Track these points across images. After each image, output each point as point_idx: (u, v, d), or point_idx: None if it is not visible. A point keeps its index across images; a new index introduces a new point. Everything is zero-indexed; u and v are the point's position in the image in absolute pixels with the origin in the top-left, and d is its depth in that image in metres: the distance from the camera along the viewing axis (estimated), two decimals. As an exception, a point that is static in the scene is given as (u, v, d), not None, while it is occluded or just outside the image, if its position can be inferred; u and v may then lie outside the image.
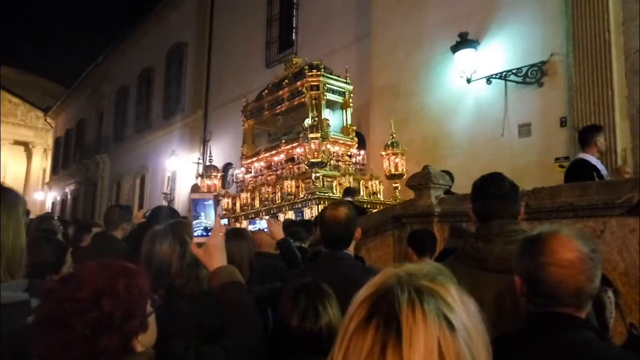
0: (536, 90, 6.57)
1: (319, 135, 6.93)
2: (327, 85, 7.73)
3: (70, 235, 4.45)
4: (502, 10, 6.99)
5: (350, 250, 2.14)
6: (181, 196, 14.31)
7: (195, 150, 15.07)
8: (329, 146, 7.13)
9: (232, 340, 1.29)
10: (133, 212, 4.82)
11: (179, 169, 14.89)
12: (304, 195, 6.91)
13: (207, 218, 1.40)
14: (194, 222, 1.40)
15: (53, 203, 27.17)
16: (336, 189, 7.01)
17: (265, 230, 3.32)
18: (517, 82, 6.71)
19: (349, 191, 6.37)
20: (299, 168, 7.47)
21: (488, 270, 1.64)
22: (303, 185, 7.08)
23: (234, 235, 2.36)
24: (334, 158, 7.37)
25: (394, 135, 7.25)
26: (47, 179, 29.00)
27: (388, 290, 0.66)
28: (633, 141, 5.71)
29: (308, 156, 6.92)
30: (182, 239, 1.56)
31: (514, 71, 6.72)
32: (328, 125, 7.40)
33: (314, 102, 7.52)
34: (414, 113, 7.78)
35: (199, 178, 9.27)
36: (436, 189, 4.17)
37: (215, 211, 1.43)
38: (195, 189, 12.64)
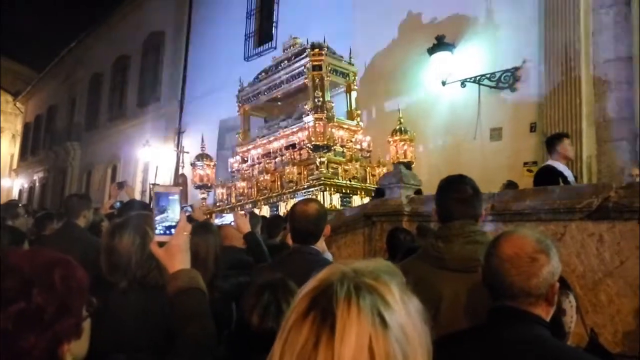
0: (508, 95, 6.72)
1: (323, 116, 6.50)
2: (330, 66, 7.30)
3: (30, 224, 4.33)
4: (478, 16, 7.11)
5: (319, 246, 2.17)
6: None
7: (170, 141, 14.86)
8: (333, 130, 6.72)
9: (181, 354, 1.16)
10: (92, 201, 4.67)
11: (152, 159, 14.66)
12: (308, 182, 6.53)
13: (172, 214, 1.27)
14: (157, 218, 1.26)
15: (20, 190, 26.39)
16: (341, 176, 6.67)
17: (232, 224, 3.30)
18: (491, 87, 6.85)
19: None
20: (300, 154, 7.07)
21: (447, 269, 1.69)
22: (306, 172, 6.70)
23: (201, 229, 2.35)
24: (338, 143, 6.95)
25: (402, 121, 7.00)
26: (14, 166, 28.14)
27: (329, 285, 0.67)
28: (599, 148, 5.90)
29: (312, 139, 6.48)
30: (142, 230, 1.55)
31: (488, 76, 6.86)
32: (332, 107, 7.03)
33: (317, 83, 7.09)
34: (389, 112, 7.85)
35: (191, 167, 8.75)
36: (407, 188, 4.23)
37: (181, 207, 1.31)
38: (182, 180, 12.40)
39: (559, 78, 6.12)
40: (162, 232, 1.26)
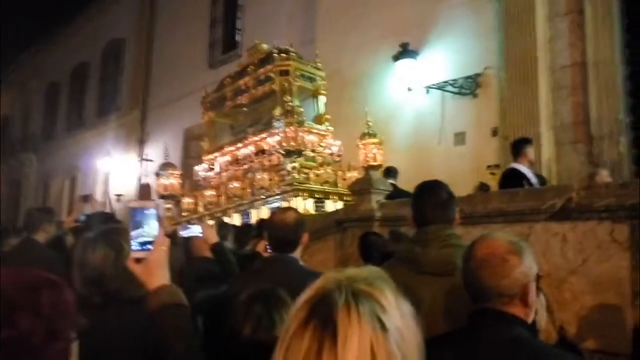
0: (471, 101, 6.90)
1: (294, 120, 6.48)
2: (298, 71, 7.26)
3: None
4: (440, 24, 7.29)
5: (297, 254, 2.16)
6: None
7: (132, 151, 14.50)
8: (301, 134, 6.68)
9: None
10: (55, 215, 4.51)
11: (113, 170, 14.27)
12: (280, 188, 6.45)
13: (148, 229, 1.24)
14: (133, 233, 1.23)
15: (-29, 205, 25.13)
16: (313, 181, 6.62)
17: (200, 234, 3.23)
18: (454, 93, 7.01)
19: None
20: (270, 160, 6.98)
21: (425, 273, 1.72)
22: (277, 178, 6.62)
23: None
24: (309, 148, 6.89)
25: (370, 124, 7.00)
26: (-36, 179, 26.79)
27: (327, 294, 0.69)
28: (557, 151, 6.14)
29: (283, 144, 6.45)
30: (116, 243, 1.51)
31: (451, 82, 7.02)
32: (301, 112, 7.00)
33: (286, 87, 7.05)
34: (355, 119, 7.90)
35: (155, 177, 8.52)
36: (377, 194, 4.28)
37: (159, 222, 1.29)
38: (146, 189, 12.06)
39: (518, 84, 6.34)
40: (138, 247, 1.22)
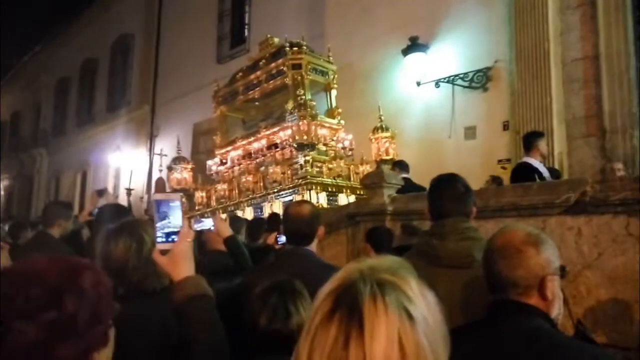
0: (481, 94, 6.86)
1: (307, 114, 6.48)
2: (310, 65, 7.23)
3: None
4: (450, 17, 7.24)
5: (313, 247, 2.17)
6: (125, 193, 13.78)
7: (142, 146, 14.59)
8: (314, 128, 6.68)
9: None
10: (72, 210, 4.57)
11: (123, 164, 14.36)
12: (294, 181, 6.43)
13: (174, 220, 1.25)
14: (158, 225, 1.24)
15: (-16, 200, 25.46)
16: (325, 175, 6.62)
17: (212, 228, 3.24)
18: (464, 87, 6.97)
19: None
20: (282, 154, 7.00)
21: (442, 265, 1.72)
22: (289, 172, 6.63)
23: None
24: (321, 142, 6.87)
25: (382, 118, 7.03)
26: (-24, 174, 27.11)
27: (351, 284, 0.69)
28: (569, 145, 6.09)
29: (296, 137, 6.47)
30: (138, 235, 1.52)
31: (461, 76, 6.98)
32: (314, 106, 6.97)
33: (300, 80, 7.05)
34: (365, 113, 7.89)
35: (168, 171, 8.57)
36: (389, 188, 4.28)
37: (182, 214, 1.30)
38: (160, 184, 12.13)
39: (529, 77, 6.28)
40: (163, 239, 1.24)
